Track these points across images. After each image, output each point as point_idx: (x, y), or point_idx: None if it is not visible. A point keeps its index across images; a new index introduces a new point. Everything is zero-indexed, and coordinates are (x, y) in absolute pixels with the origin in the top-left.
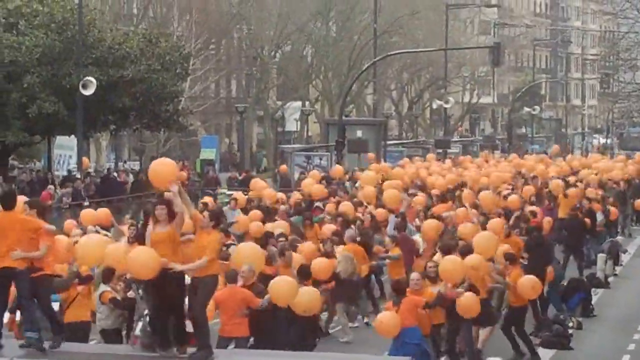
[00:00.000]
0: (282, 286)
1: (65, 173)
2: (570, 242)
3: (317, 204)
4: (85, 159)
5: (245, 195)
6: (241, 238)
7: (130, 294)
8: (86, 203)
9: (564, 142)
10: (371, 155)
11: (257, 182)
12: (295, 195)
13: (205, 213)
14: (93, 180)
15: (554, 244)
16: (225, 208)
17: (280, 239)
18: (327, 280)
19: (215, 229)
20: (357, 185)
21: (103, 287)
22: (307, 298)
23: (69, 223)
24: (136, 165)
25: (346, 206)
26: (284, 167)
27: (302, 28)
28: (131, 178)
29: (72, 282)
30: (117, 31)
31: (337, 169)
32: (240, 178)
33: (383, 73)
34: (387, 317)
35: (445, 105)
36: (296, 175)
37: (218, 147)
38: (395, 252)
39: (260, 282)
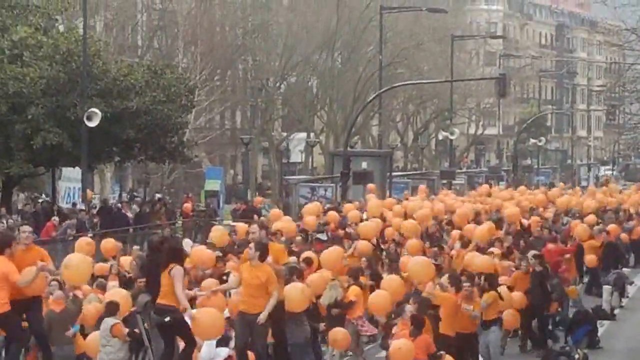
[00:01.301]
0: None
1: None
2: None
3: (317, 235)
4: (88, 191)
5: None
6: None
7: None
8: (90, 235)
9: (570, 173)
10: (371, 186)
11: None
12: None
13: (251, 244)
14: (98, 211)
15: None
16: None
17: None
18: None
19: (262, 261)
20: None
21: (111, 320)
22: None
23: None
24: (140, 197)
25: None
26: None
27: (307, 59)
28: (134, 208)
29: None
30: (122, 62)
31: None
32: (243, 209)
33: (388, 104)
34: (404, 345)
35: (451, 137)
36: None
37: (223, 178)
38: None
39: None
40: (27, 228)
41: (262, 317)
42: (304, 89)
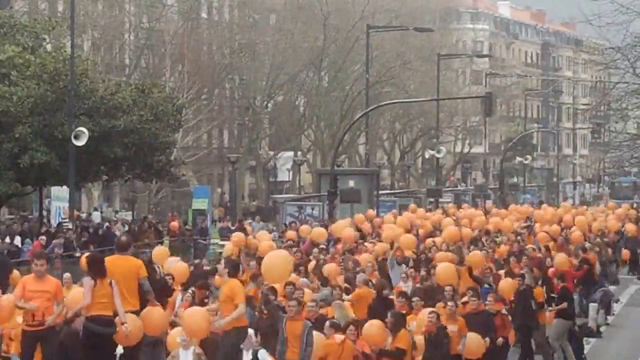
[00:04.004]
0: None
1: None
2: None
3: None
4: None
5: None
6: None
7: None
8: (78, 254)
9: (556, 192)
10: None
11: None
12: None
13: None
14: (83, 227)
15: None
16: None
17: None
18: None
19: (232, 277)
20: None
21: None
22: None
23: None
24: (128, 216)
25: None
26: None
27: (294, 78)
28: (122, 228)
29: None
30: (109, 81)
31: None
32: (232, 228)
33: (375, 123)
34: None
35: (437, 155)
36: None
37: (210, 197)
38: None
39: None
40: (41, 261)
41: (219, 324)
42: (291, 107)
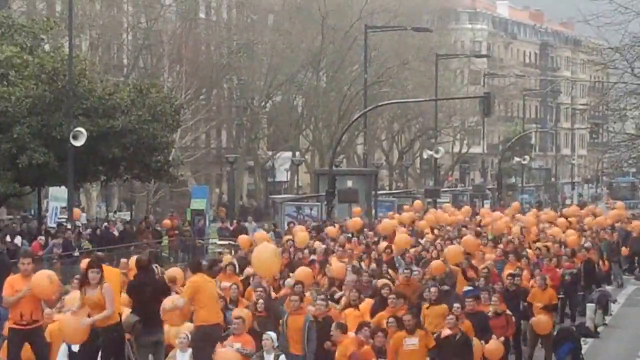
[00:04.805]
0: None
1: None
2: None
3: (312, 257)
4: (77, 210)
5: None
6: None
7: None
8: (76, 254)
9: (554, 192)
10: (357, 210)
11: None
12: None
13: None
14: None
15: None
16: None
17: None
18: None
19: (194, 272)
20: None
21: None
22: None
23: None
24: (126, 216)
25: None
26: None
27: (292, 78)
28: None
29: None
30: (108, 82)
31: (354, 222)
32: (231, 229)
33: (373, 123)
34: None
35: (436, 155)
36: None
37: (208, 197)
38: None
39: None
40: (27, 259)
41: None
42: (289, 108)
